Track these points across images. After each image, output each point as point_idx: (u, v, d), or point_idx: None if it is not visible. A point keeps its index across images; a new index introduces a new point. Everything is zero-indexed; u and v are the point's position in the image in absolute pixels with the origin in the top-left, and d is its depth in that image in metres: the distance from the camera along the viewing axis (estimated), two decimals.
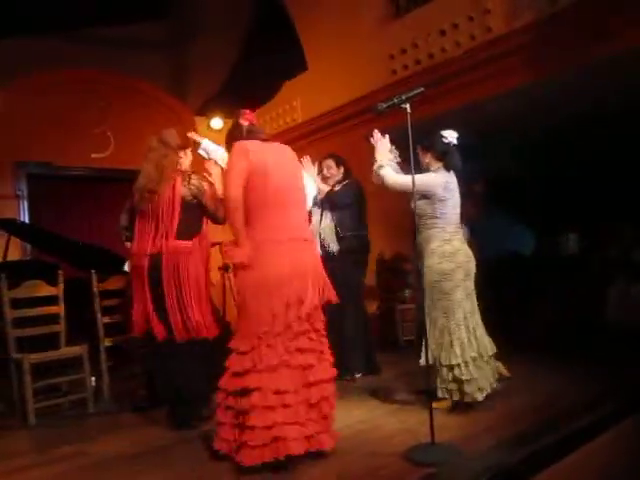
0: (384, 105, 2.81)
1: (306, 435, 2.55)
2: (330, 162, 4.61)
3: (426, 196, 3.38)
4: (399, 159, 3.57)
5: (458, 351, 3.27)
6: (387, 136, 3.58)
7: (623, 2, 4.01)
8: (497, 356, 3.50)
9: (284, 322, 2.55)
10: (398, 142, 3.53)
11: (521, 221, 7.48)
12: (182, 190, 3.38)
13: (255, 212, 2.64)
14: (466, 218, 4.89)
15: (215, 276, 5.20)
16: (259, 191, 2.63)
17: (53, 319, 3.90)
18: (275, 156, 2.77)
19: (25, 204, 6.41)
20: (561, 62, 4.41)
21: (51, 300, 3.90)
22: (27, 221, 6.30)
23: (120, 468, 2.80)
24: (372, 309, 5.41)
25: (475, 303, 3.44)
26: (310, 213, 4.16)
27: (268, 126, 7.49)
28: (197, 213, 3.47)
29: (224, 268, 5.23)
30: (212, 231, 3.69)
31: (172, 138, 3.52)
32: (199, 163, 3.70)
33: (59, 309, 3.91)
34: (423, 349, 3.16)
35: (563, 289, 5.78)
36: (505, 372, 3.60)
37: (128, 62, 7.27)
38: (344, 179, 4.57)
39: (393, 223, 5.50)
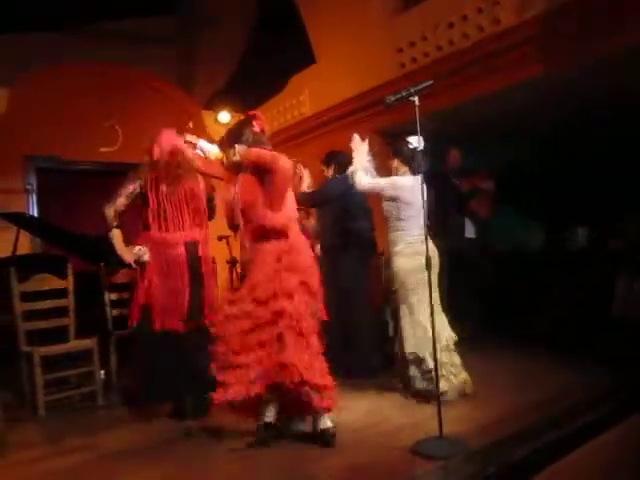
0: (393, 98, 2.80)
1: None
2: (322, 167, 4.72)
3: (392, 199, 3.59)
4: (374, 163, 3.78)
5: (412, 343, 3.51)
6: (367, 140, 3.78)
7: None
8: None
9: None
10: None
11: (528, 216, 7.45)
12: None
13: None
14: (473, 214, 4.92)
15: (224, 269, 5.24)
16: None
17: (62, 312, 3.92)
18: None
19: (34, 198, 6.44)
20: (572, 54, 4.36)
21: (60, 293, 3.92)
22: (36, 215, 6.33)
23: (128, 460, 2.82)
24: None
25: (437, 298, 3.53)
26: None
27: (275, 120, 7.49)
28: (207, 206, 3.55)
29: (231, 262, 5.23)
30: (221, 225, 3.64)
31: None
32: None
33: (68, 302, 3.93)
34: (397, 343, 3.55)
35: (570, 284, 5.75)
36: (469, 389, 3.57)
37: (136, 56, 7.27)
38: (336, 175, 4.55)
39: None
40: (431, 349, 3.18)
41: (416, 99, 2.74)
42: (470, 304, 4.97)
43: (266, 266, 2.80)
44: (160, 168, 3.38)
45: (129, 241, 3.51)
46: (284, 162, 2.83)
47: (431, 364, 3.27)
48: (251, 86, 7.74)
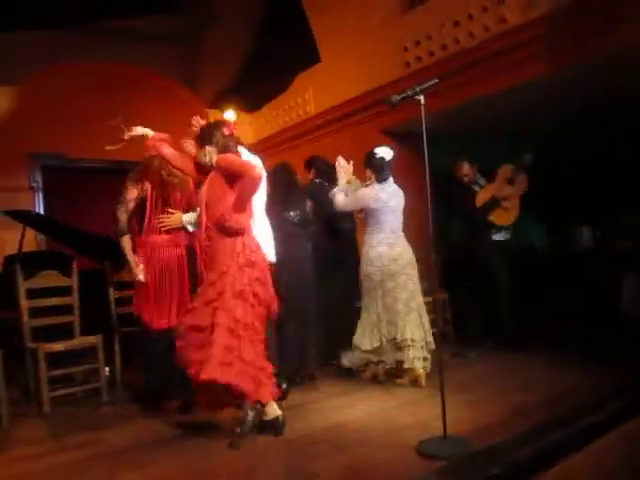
0: (398, 97, 2.79)
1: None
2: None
3: (362, 208, 4.09)
4: (357, 183, 4.23)
5: (369, 339, 3.96)
6: (351, 162, 4.21)
7: None
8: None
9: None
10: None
11: (533, 216, 7.43)
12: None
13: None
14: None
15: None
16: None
17: (67, 309, 3.95)
18: None
19: (40, 195, 6.48)
20: (578, 53, 4.36)
21: (65, 290, 3.95)
22: (42, 212, 6.35)
23: (133, 456, 2.83)
24: None
25: (403, 297, 3.95)
26: None
27: (280, 119, 7.49)
28: None
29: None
30: None
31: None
32: None
33: (73, 299, 3.95)
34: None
35: (576, 284, 5.74)
36: (421, 382, 3.85)
37: (142, 55, 7.29)
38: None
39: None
40: (375, 344, 3.93)
41: (422, 98, 2.73)
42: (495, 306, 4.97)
43: (221, 263, 2.92)
44: (153, 173, 3.52)
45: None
46: (253, 171, 2.96)
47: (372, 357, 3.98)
48: (256, 85, 7.74)
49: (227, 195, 2.98)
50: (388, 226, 4.00)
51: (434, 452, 2.57)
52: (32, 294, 3.80)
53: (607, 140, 6.29)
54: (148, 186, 3.54)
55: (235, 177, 2.97)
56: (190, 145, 3.59)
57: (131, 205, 3.55)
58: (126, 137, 3.49)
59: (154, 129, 3.74)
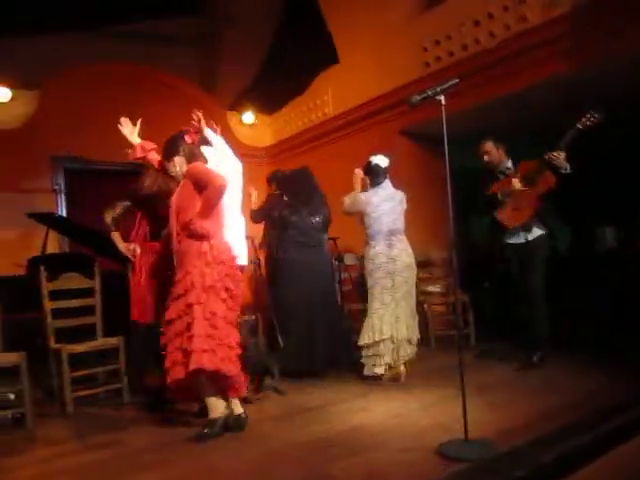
0: (418, 97, 2.77)
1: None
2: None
3: (361, 213, 4.33)
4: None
5: (370, 334, 4.12)
6: (367, 179, 4.42)
7: None
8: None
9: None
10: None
11: (557, 215, 7.33)
12: None
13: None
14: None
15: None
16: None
17: (90, 311, 3.99)
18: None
19: (62, 198, 6.56)
20: (601, 52, 4.29)
21: (88, 292, 4.00)
22: (64, 215, 6.44)
23: (153, 457, 2.85)
24: None
25: (397, 296, 4.17)
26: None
27: (299, 120, 7.50)
28: None
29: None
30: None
31: None
32: None
33: (95, 301, 4.00)
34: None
35: (598, 285, 5.64)
36: (401, 376, 4.14)
37: (160, 58, 7.35)
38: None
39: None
40: (377, 338, 4.10)
41: (442, 98, 2.71)
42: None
43: (188, 264, 3.10)
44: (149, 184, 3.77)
45: None
46: (217, 181, 3.11)
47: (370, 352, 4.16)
48: (275, 86, 7.76)
49: (195, 202, 3.16)
50: (385, 227, 4.24)
51: (456, 455, 2.55)
52: (55, 295, 3.85)
53: (626, 140, 6.19)
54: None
55: (201, 185, 3.15)
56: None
57: (118, 210, 4.05)
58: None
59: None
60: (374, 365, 4.14)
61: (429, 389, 3.82)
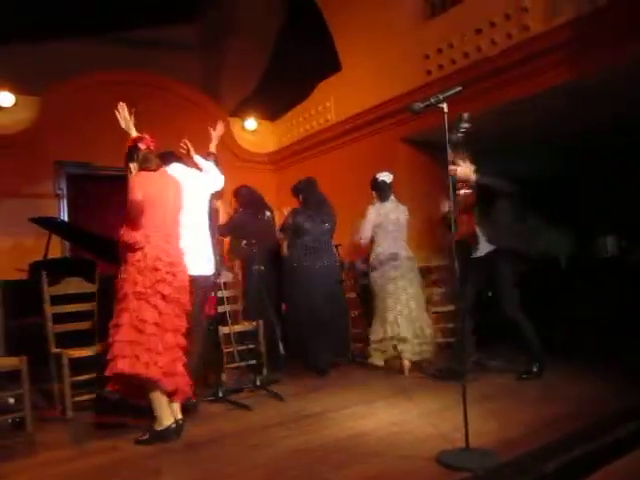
0: (421, 105, 2.78)
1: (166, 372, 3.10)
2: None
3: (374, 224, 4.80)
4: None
5: (379, 331, 4.68)
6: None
7: None
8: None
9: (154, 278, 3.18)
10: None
11: (559, 223, 7.34)
12: None
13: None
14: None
15: None
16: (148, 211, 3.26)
17: (91, 315, 4.00)
18: (159, 186, 3.35)
19: (65, 203, 6.56)
20: (602, 61, 4.29)
21: (89, 296, 4.00)
22: (66, 219, 6.45)
23: (154, 462, 2.85)
24: None
25: (403, 298, 4.65)
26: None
27: (301, 127, 7.52)
28: None
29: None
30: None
31: None
32: None
33: (96, 305, 4.00)
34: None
35: (600, 293, 5.64)
36: (405, 369, 4.59)
37: (162, 64, 7.37)
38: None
39: None
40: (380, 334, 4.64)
41: (445, 106, 2.72)
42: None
43: (124, 271, 3.22)
44: None
45: None
46: (132, 194, 3.22)
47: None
48: (277, 93, 7.79)
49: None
50: (390, 236, 4.75)
51: (457, 464, 2.54)
52: (56, 300, 3.85)
53: (629, 149, 6.20)
54: None
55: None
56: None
57: None
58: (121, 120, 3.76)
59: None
60: (378, 357, 4.69)
61: (430, 397, 3.81)
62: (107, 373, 3.07)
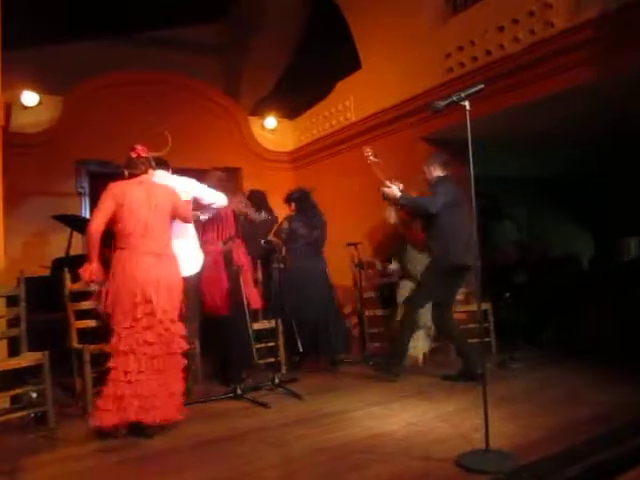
0: (442, 103, 2.75)
1: (148, 407, 3.14)
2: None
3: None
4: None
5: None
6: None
7: None
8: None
9: (132, 317, 3.22)
10: None
11: (580, 223, 7.23)
12: None
13: (121, 236, 3.40)
14: None
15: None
16: (124, 221, 3.35)
17: None
18: (137, 192, 3.40)
19: (86, 201, 6.64)
20: (629, 59, 4.20)
21: None
22: (88, 217, 6.52)
23: (174, 460, 2.87)
24: None
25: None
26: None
27: (321, 126, 7.51)
28: None
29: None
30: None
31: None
32: None
33: None
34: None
35: (622, 294, 5.53)
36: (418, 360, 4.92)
37: (183, 63, 7.44)
38: None
39: None
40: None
41: (467, 103, 2.69)
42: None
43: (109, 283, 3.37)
44: None
45: None
46: (104, 196, 3.35)
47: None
48: (296, 92, 7.80)
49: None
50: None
51: (476, 466, 2.51)
52: (78, 296, 3.89)
53: None
54: None
55: None
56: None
57: None
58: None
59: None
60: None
61: (449, 398, 3.78)
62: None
